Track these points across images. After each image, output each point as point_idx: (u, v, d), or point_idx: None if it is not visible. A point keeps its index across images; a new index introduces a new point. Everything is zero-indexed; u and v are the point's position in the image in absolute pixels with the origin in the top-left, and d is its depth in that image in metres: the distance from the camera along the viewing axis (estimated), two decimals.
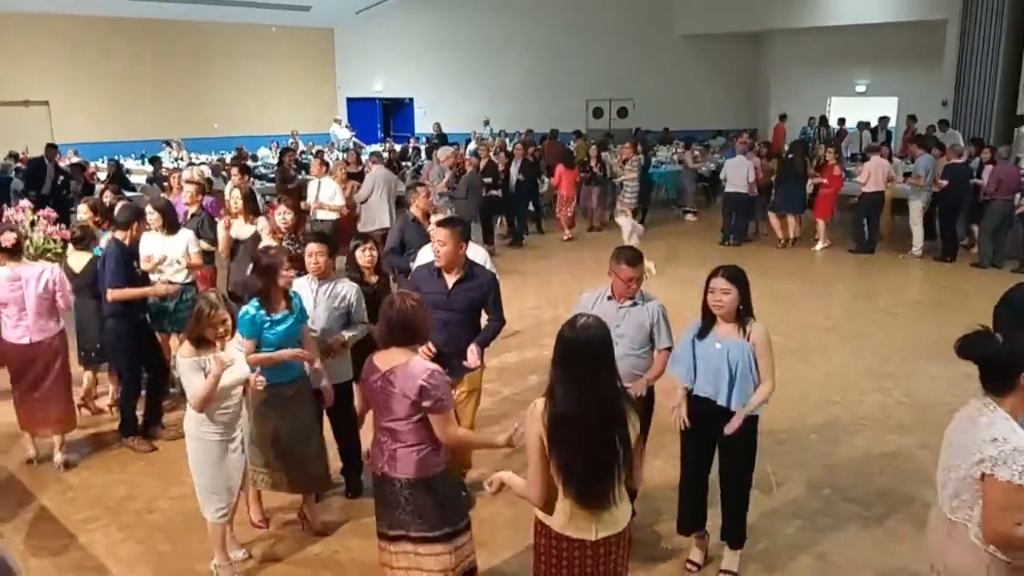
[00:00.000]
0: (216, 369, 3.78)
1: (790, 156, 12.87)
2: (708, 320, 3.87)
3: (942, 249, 11.49)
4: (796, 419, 6.01)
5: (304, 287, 4.65)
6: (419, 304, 3.38)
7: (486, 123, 20.58)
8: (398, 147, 18.91)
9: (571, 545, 2.81)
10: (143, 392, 5.85)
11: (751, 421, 3.87)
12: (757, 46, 23.81)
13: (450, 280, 4.50)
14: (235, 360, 3.91)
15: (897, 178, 12.01)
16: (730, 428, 3.76)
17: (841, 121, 19.79)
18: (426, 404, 3.22)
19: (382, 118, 24.79)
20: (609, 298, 4.18)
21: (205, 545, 4.34)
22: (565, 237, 13.19)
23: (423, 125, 22.72)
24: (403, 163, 15.24)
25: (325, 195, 9.85)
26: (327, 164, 10.92)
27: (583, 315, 2.87)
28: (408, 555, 3.39)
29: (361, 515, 4.62)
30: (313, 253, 4.63)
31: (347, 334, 4.69)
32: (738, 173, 12.39)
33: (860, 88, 22.07)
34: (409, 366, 3.26)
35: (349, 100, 24.01)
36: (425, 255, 5.11)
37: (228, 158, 15.82)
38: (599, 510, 2.77)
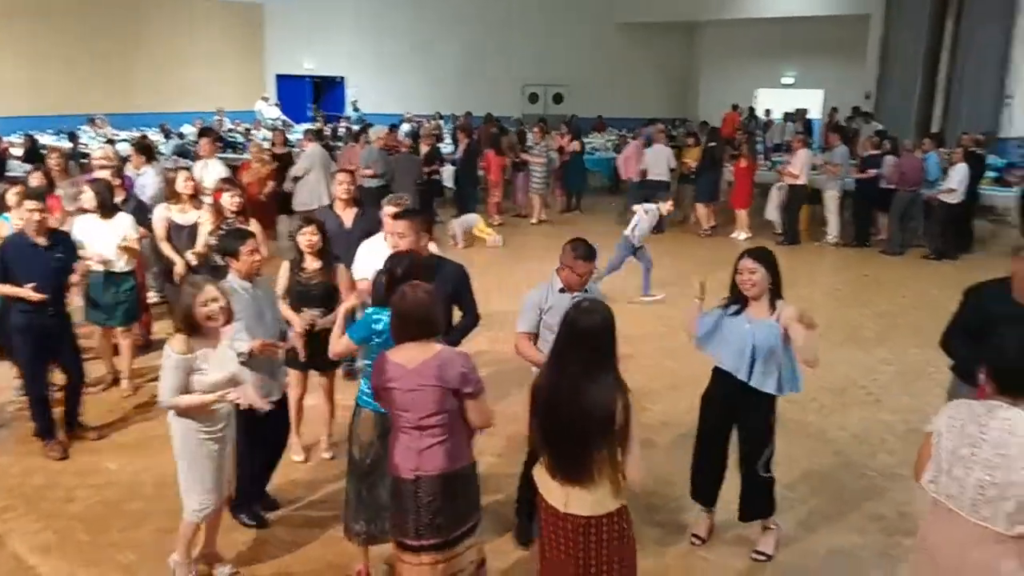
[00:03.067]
0: (210, 398, 3.53)
1: (711, 145, 13.16)
2: (740, 300, 3.99)
3: (855, 237, 11.96)
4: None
5: (239, 294, 4.11)
6: (431, 293, 3.27)
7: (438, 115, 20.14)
8: (328, 127, 18.57)
9: (546, 506, 2.97)
10: (60, 391, 5.42)
11: (768, 399, 4.00)
12: (690, 37, 24.21)
13: None
14: (228, 355, 3.71)
15: (818, 161, 12.37)
16: (791, 324, 3.81)
17: (767, 113, 20.31)
18: (468, 390, 3.14)
19: (312, 97, 24.26)
20: (561, 291, 4.07)
21: (126, 534, 4.22)
22: (496, 223, 13.23)
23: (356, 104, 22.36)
24: (334, 143, 14.92)
25: (211, 178, 8.56)
26: (218, 144, 10.36)
27: (587, 299, 2.98)
28: (436, 560, 3.23)
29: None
30: (253, 250, 4.24)
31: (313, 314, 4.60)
32: (658, 162, 12.69)
33: (787, 80, 22.68)
34: (443, 356, 3.15)
35: (278, 77, 23.39)
36: (371, 247, 4.94)
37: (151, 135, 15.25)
38: (568, 484, 2.87)
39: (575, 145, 14.41)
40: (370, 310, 3.75)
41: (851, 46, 19.33)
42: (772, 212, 12.52)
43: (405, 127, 16.39)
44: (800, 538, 4.45)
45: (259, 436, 4.22)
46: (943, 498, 2.70)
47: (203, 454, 3.68)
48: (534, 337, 4.09)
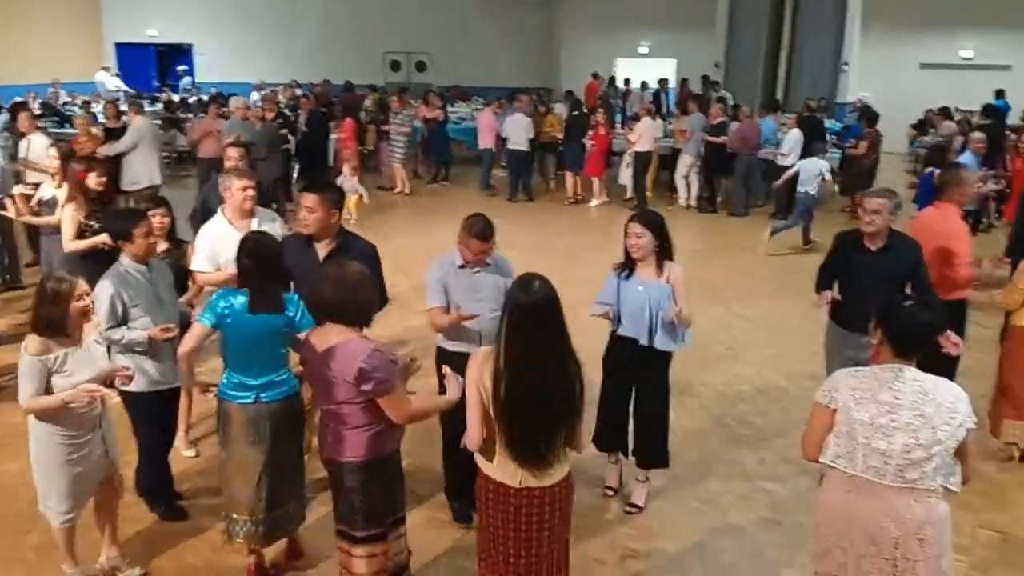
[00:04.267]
0: (70, 395, 3.21)
1: (575, 115, 13.36)
2: (630, 263, 4.09)
3: (708, 200, 12.49)
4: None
5: (135, 279, 3.87)
6: (365, 275, 3.08)
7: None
8: (176, 97, 17.47)
9: (497, 487, 2.86)
10: None
11: (666, 357, 4.17)
12: (551, 6, 24.38)
13: (322, 251, 4.11)
14: (95, 352, 3.40)
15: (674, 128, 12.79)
16: (668, 316, 3.97)
17: (626, 82, 20.79)
18: (366, 388, 2.95)
19: (157, 66, 22.72)
20: (462, 266, 3.97)
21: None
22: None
23: (205, 74, 21.12)
24: (183, 115, 14.07)
25: (36, 154, 8.06)
26: (52, 119, 9.61)
27: (534, 277, 2.81)
28: (373, 552, 3.20)
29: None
30: (148, 231, 3.89)
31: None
32: (517, 131, 12.79)
33: (643, 50, 23.29)
34: (348, 347, 2.97)
35: (119, 46, 21.72)
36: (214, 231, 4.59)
37: None
38: (529, 465, 2.79)
39: (438, 114, 14.23)
40: (219, 292, 3.55)
41: (702, 17, 20.03)
42: (624, 178, 12.86)
43: (254, 96, 15.57)
44: (670, 488, 4.61)
45: (165, 424, 4.12)
46: (859, 472, 2.68)
47: (56, 461, 3.38)
48: (446, 310, 4.01)
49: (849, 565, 2.76)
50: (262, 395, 3.49)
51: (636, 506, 4.39)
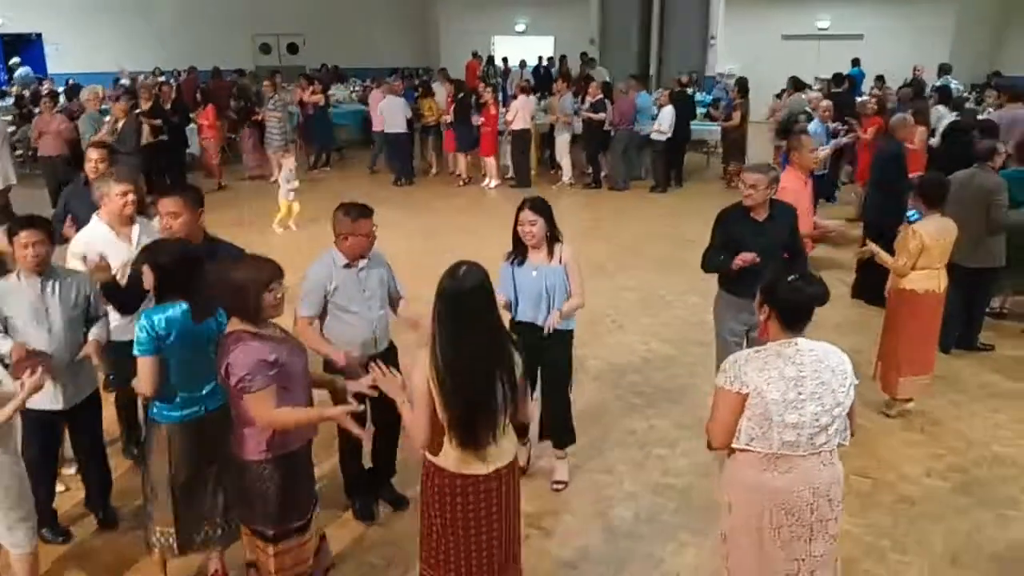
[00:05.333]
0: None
1: (461, 96, 13.29)
2: (521, 249, 4.12)
3: (592, 177, 12.70)
4: None
5: (20, 291, 3.64)
6: (241, 261, 3.04)
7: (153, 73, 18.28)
8: (26, 92, 16.22)
9: (465, 481, 2.83)
10: None
11: (567, 336, 4.28)
12: None
13: None
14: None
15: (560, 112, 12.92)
16: (549, 324, 4.06)
17: (505, 60, 20.83)
18: (230, 382, 2.92)
19: (3, 57, 21.02)
20: (347, 265, 3.85)
21: None
22: (216, 186, 12.40)
23: (57, 64, 19.71)
24: (34, 108, 13.08)
25: None
26: None
27: (462, 263, 2.78)
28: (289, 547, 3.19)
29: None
30: (30, 243, 3.58)
31: (96, 333, 3.85)
32: (395, 114, 12.62)
33: (520, 28, 23.38)
34: (225, 340, 2.97)
35: None
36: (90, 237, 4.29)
37: None
38: (483, 448, 2.80)
39: (318, 98, 13.84)
40: (144, 313, 3.26)
41: None
42: (506, 157, 12.93)
43: (123, 83, 14.72)
44: (576, 462, 4.68)
45: (44, 446, 3.83)
46: (776, 450, 2.73)
47: (16, 478, 3.24)
48: (319, 320, 3.89)
49: (765, 541, 2.83)
50: (208, 405, 3.38)
51: (563, 482, 4.48)
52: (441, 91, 14.03)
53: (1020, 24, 19.21)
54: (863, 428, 4.99)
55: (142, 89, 12.00)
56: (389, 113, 12.66)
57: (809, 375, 2.72)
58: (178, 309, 3.21)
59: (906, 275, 4.98)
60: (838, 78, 13.23)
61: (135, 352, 3.22)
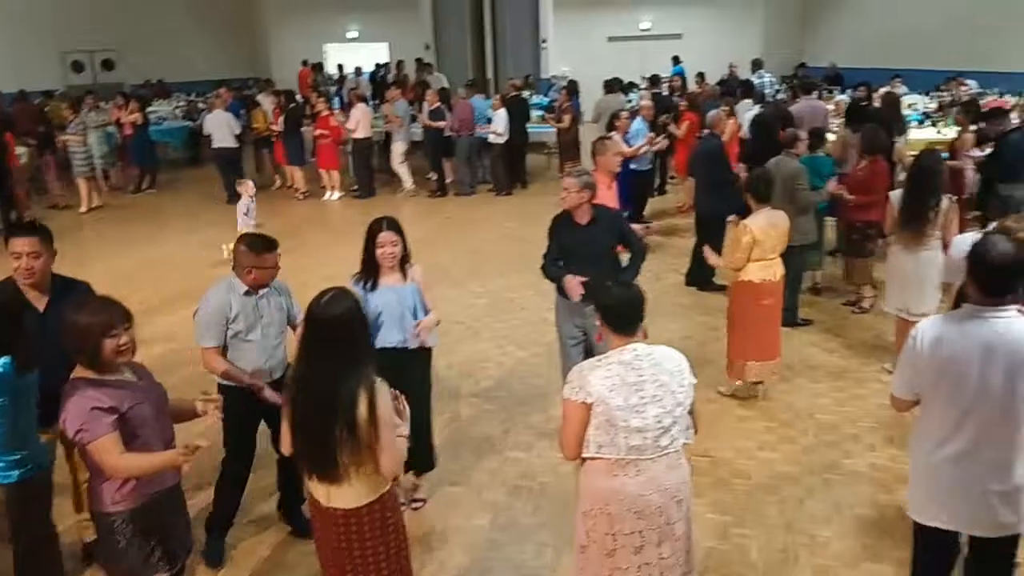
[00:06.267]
0: None
1: (292, 107, 12.93)
2: (374, 271, 4.01)
3: (437, 184, 12.67)
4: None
5: None
6: (91, 317, 2.80)
7: None
8: None
9: (313, 500, 2.88)
10: None
11: (429, 356, 4.25)
12: None
13: (41, 302, 3.54)
14: None
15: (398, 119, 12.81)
16: (422, 332, 4.02)
17: (340, 67, 20.47)
18: (69, 434, 2.76)
19: None
20: (247, 293, 3.73)
21: None
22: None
23: None
24: None
25: None
26: None
27: (334, 289, 2.80)
28: None
29: None
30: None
31: None
32: (221, 128, 12.15)
33: (352, 35, 23.04)
34: (65, 389, 2.81)
35: None
36: None
37: None
38: (324, 481, 2.77)
39: (136, 117, 13.04)
40: None
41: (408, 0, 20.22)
42: (349, 167, 12.73)
43: None
44: (433, 475, 4.60)
45: None
46: (623, 455, 2.79)
47: None
48: (224, 350, 3.73)
49: (617, 549, 2.89)
50: (44, 463, 3.17)
51: (422, 500, 4.44)
52: (266, 102, 13.57)
53: (821, 20, 20.99)
54: (702, 410, 5.30)
55: None
56: (215, 128, 12.15)
57: (648, 379, 2.81)
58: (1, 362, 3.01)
59: (743, 268, 5.28)
60: (655, 78, 13.93)
61: None
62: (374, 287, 4.02)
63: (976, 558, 3.09)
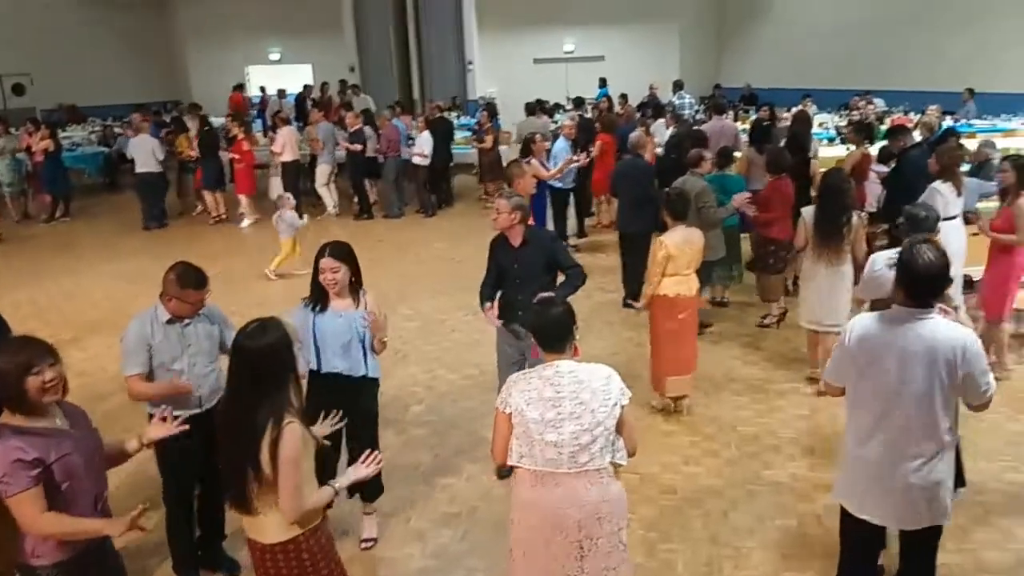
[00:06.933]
0: None
1: (206, 130, 12.67)
2: (322, 297, 3.91)
3: (361, 207, 12.50)
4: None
5: None
6: (9, 359, 2.64)
7: None
8: None
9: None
10: None
11: (376, 383, 4.16)
12: (166, 13, 22.72)
13: None
14: None
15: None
16: (373, 329, 3.95)
17: (263, 89, 20.17)
18: None
19: None
20: (170, 321, 3.66)
21: None
22: None
23: None
24: None
25: None
26: None
27: (257, 322, 2.79)
28: None
29: None
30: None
31: None
32: (145, 153, 11.86)
33: (274, 56, 22.76)
34: None
35: None
36: None
37: None
38: (239, 512, 2.78)
39: (47, 144, 12.56)
40: None
41: (329, 19, 20.09)
42: (274, 191, 12.49)
43: None
44: (356, 507, 4.54)
45: None
46: (540, 467, 2.87)
47: None
48: (148, 377, 3.64)
49: (539, 555, 2.94)
50: None
51: (372, 539, 4.31)
52: (193, 126, 13.29)
53: (736, 42, 21.75)
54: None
55: None
56: (139, 152, 11.84)
57: (567, 396, 2.87)
58: None
59: (658, 282, 5.41)
60: (578, 100, 14.15)
61: None
62: (323, 310, 3.95)
63: (901, 547, 3.29)
